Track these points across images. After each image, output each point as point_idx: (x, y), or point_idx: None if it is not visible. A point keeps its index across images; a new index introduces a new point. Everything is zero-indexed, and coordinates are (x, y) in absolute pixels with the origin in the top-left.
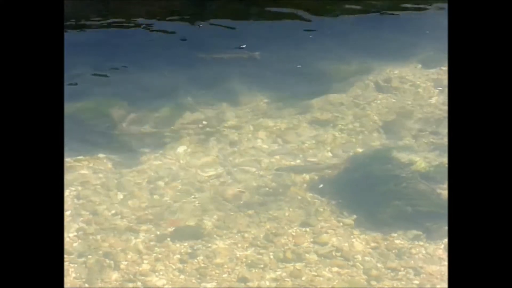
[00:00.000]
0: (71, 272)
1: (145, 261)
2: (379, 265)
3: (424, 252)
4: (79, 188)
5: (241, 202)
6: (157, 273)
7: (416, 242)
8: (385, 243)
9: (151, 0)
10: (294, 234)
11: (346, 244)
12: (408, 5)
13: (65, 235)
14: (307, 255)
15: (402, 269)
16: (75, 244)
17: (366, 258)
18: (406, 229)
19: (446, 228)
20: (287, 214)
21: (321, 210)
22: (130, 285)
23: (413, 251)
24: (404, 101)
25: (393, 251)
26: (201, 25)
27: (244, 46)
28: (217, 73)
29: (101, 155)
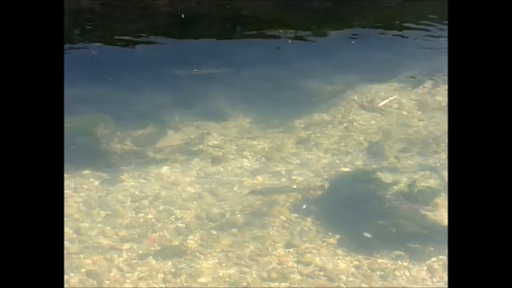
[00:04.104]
0: None
1: (127, 280)
2: (363, 285)
3: (407, 273)
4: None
5: (225, 221)
6: None
7: (400, 263)
8: (368, 263)
9: (136, 18)
10: (278, 254)
11: (330, 264)
12: (394, 26)
13: None
14: (291, 275)
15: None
16: None
17: (350, 279)
18: (389, 250)
19: (431, 249)
20: (271, 233)
21: (305, 229)
22: None
23: (397, 272)
24: (389, 121)
25: (376, 271)
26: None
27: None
28: (201, 92)
29: (84, 173)
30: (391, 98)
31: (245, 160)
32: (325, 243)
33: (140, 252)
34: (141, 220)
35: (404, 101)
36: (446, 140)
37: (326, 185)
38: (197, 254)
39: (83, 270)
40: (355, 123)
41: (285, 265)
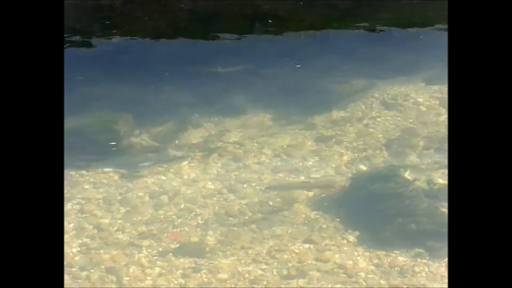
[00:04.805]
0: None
1: (147, 277)
2: (382, 282)
3: (427, 270)
4: (82, 202)
5: (245, 218)
6: None
7: (419, 260)
8: (388, 260)
9: (156, 15)
10: (297, 250)
11: (349, 261)
12: (413, 23)
13: (68, 249)
14: (310, 272)
15: (405, 286)
16: (77, 258)
17: (369, 276)
18: (409, 247)
19: None
20: (290, 230)
21: (325, 227)
22: None
23: (416, 269)
24: (408, 118)
25: (396, 268)
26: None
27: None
28: (220, 89)
29: (105, 169)
30: None
31: (265, 157)
32: (344, 240)
33: (160, 248)
34: (161, 216)
35: (424, 99)
36: None
37: (346, 183)
38: (217, 250)
39: (103, 266)
40: (375, 121)
41: (304, 262)
